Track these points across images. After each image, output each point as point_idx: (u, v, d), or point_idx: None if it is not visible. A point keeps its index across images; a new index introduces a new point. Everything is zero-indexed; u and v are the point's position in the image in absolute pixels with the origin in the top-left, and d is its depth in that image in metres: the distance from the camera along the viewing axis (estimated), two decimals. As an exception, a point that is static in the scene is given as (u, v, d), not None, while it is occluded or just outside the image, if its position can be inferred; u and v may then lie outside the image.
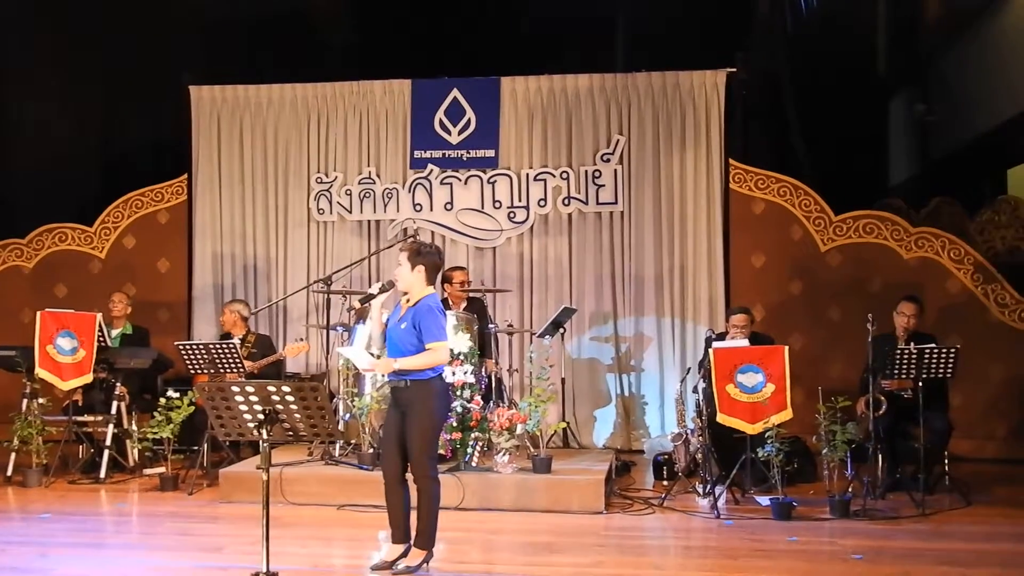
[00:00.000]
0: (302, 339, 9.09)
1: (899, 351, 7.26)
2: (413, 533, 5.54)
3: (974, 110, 10.28)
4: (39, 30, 10.68)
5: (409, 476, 5.55)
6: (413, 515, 5.55)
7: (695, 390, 7.83)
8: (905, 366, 7.21)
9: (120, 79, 10.62)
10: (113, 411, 8.42)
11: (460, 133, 10.02)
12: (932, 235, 9.50)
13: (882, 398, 7.49)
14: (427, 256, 5.58)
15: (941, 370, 7.23)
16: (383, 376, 5.79)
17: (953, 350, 7.20)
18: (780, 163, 9.94)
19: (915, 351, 7.18)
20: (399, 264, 5.60)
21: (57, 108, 10.74)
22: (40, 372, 8.24)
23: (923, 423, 7.11)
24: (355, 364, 5.94)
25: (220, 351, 8.01)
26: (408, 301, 5.58)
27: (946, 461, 7.63)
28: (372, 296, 5.75)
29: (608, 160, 9.87)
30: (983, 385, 9.13)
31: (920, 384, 7.14)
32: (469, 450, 7.36)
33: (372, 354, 5.77)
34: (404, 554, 5.53)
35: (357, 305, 6.29)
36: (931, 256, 9.44)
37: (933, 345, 7.31)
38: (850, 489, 7.13)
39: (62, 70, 10.74)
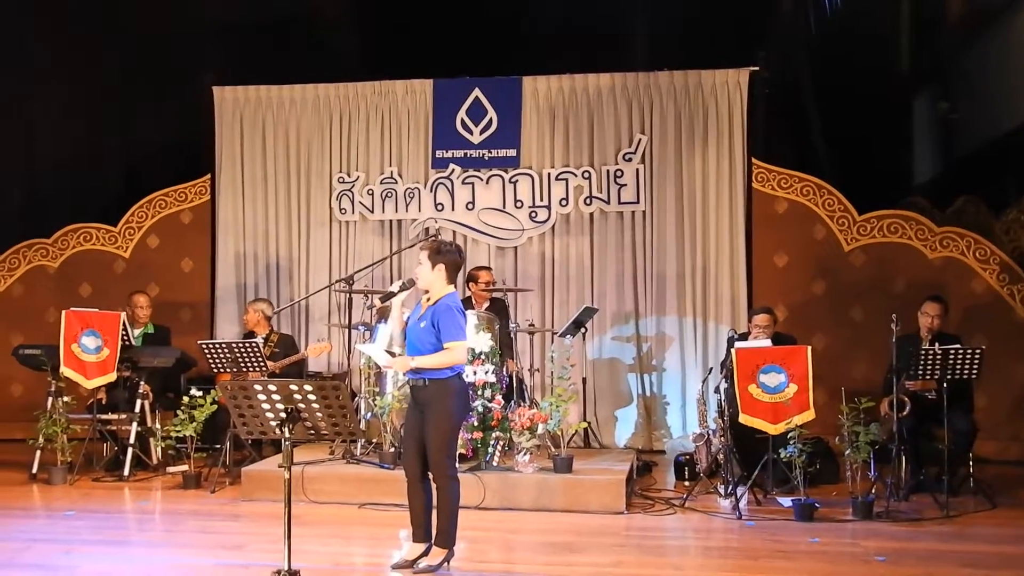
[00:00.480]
0: (324, 339, 9.12)
1: (923, 351, 7.21)
2: (434, 532, 5.55)
3: (999, 108, 10.17)
4: (62, 33, 10.77)
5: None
6: (435, 514, 5.56)
7: (717, 390, 7.80)
8: (929, 367, 7.15)
9: (143, 80, 10.69)
10: (137, 409, 8.49)
11: (482, 133, 10.03)
12: (957, 234, 9.43)
13: (905, 399, 7.43)
14: (447, 255, 5.58)
15: (966, 371, 7.17)
16: (404, 375, 5.80)
17: (978, 351, 7.14)
18: (803, 162, 9.88)
19: (939, 351, 7.13)
20: (419, 263, 5.60)
21: (81, 110, 10.82)
22: (65, 371, 8.30)
23: (947, 424, 7.05)
24: (374, 360, 5.97)
25: (243, 350, 8.05)
26: (428, 300, 5.59)
27: (971, 463, 7.57)
28: (392, 294, 5.76)
29: (630, 159, 9.85)
30: (1008, 386, 9.05)
31: (944, 385, 7.09)
32: (490, 449, 7.37)
33: (391, 352, 5.78)
34: (425, 553, 5.53)
35: (378, 303, 6.30)
36: (956, 256, 9.37)
37: (958, 346, 7.25)
38: (873, 490, 7.08)
39: (85, 72, 10.82)
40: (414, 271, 5.71)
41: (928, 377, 7.23)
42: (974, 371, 7.18)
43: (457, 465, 7.01)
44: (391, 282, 5.89)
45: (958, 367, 7.13)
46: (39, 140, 11.07)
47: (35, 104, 11.04)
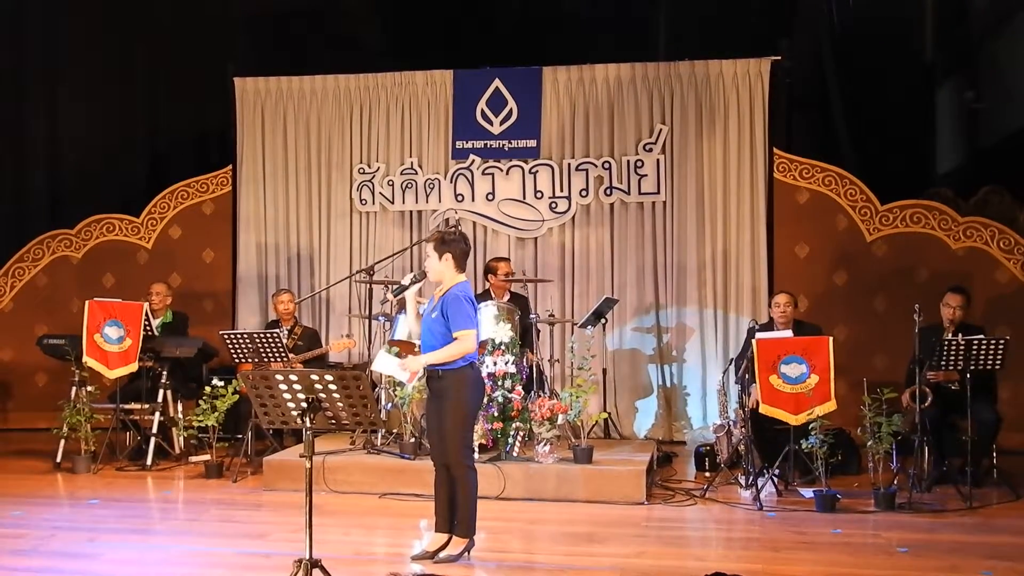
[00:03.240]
0: (348, 335, 9.13)
1: (946, 342, 7.16)
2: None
3: (1024, 98, 10.07)
4: (88, 25, 10.85)
5: None
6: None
7: (737, 381, 7.78)
8: (952, 357, 7.10)
9: (166, 72, 10.78)
10: (159, 399, 8.54)
11: (502, 123, 10.01)
12: (981, 224, 9.35)
13: (927, 390, 7.38)
14: (453, 244, 5.59)
15: (989, 362, 7.11)
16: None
17: (1002, 341, 7.09)
18: (825, 152, 9.82)
19: (963, 342, 7.08)
20: (427, 255, 5.62)
21: (104, 103, 10.90)
22: (88, 360, 8.37)
23: (971, 415, 7.01)
24: (394, 376, 5.92)
25: (264, 340, 8.08)
26: (440, 290, 5.58)
27: (994, 454, 7.51)
28: (404, 287, 5.75)
29: (650, 150, 9.81)
30: (1033, 377, 8.97)
31: (968, 376, 7.04)
32: (510, 440, 7.37)
33: (407, 342, 5.80)
34: (446, 544, 5.55)
35: (391, 298, 6.30)
36: (979, 246, 9.30)
37: (981, 336, 7.19)
38: (895, 482, 7.05)
39: (109, 64, 10.90)
40: (424, 264, 5.72)
41: (951, 368, 7.18)
42: (997, 362, 7.12)
43: (477, 455, 7.07)
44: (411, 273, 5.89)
45: (981, 358, 7.08)
46: (63, 131, 11.15)
47: (60, 95, 11.13)
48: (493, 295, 8.59)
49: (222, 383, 7.87)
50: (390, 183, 10.19)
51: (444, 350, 5.43)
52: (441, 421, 5.50)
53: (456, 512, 5.55)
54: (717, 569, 2.22)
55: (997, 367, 7.17)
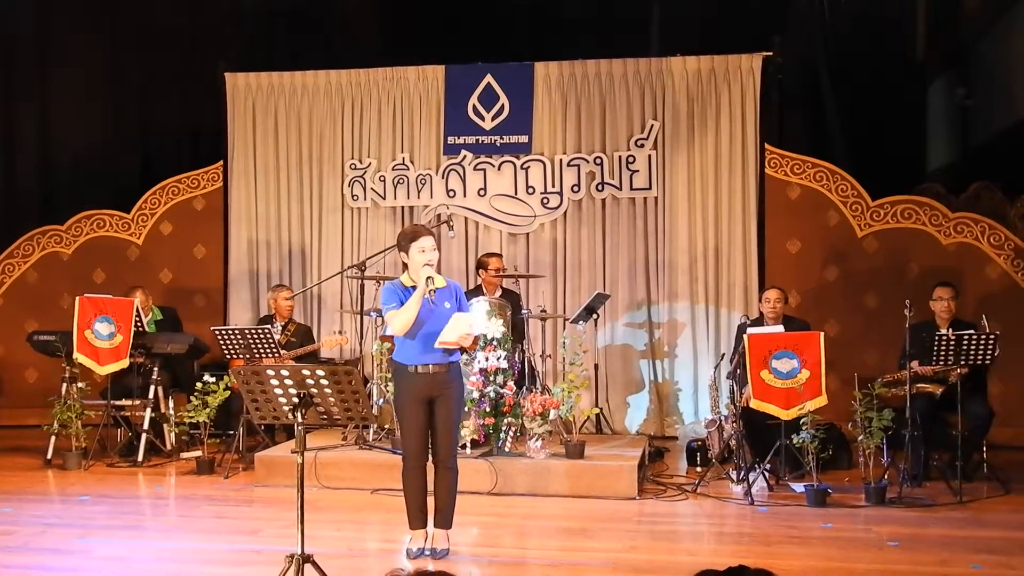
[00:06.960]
0: (341, 332, 9.12)
1: (938, 337, 7.17)
2: (431, 516, 5.58)
3: (1015, 94, 10.10)
4: (79, 20, 10.82)
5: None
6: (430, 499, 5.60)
7: (729, 376, 7.79)
8: (944, 354, 7.11)
9: (157, 67, 10.74)
10: (150, 395, 8.52)
11: (493, 119, 10.00)
12: (971, 220, 9.37)
13: (932, 388, 7.42)
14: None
15: (980, 357, 7.13)
16: (417, 366, 5.58)
17: (992, 336, 7.10)
18: (816, 148, 9.83)
19: (953, 337, 7.09)
20: (434, 249, 5.58)
21: (95, 97, 10.88)
22: (78, 357, 8.34)
23: (965, 410, 7.02)
24: (461, 328, 5.56)
25: (256, 336, 8.07)
26: (434, 283, 5.50)
27: (984, 449, 7.54)
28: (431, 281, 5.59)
29: (642, 145, 9.81)
30: (1023, 372, 8.99)
31: (957, 370, 7.06)
32: (502, 435, 7.37)
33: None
34: (430, 539, 5.55)
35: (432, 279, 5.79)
36: (970, 242, 9.32)
37: (972, 331, 7.21)
38: (886, 476, 7.07)
39: (100, 59, 10.87)
40: (429, 259, 5.57)
41: (941, 363, 7.18)
42: (988, 357, 7.14)
43: (469, 450, 7.13)
44: (404, 269, 5.80)
45: (972, 353, 7.09)
46: (53, 127, 11.12)
47: (50, 91, 11.09)
48: (485, 291, 8.58)
49: (213, 379, 7.86)
50: (382, 179, 10.17)
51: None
52: (437, 417, 5.45)
53: (443, 507, 5.54)
54: (737, 563, 2.20)
55: (988, 362, 7.19)
